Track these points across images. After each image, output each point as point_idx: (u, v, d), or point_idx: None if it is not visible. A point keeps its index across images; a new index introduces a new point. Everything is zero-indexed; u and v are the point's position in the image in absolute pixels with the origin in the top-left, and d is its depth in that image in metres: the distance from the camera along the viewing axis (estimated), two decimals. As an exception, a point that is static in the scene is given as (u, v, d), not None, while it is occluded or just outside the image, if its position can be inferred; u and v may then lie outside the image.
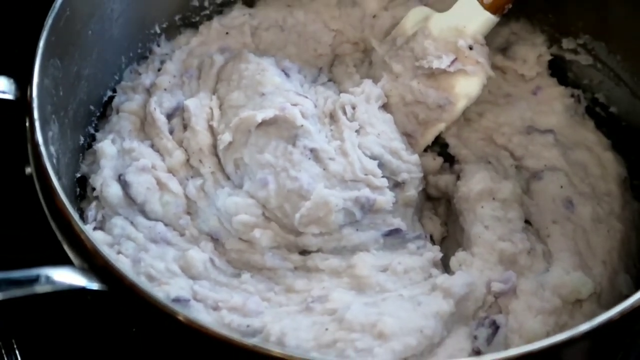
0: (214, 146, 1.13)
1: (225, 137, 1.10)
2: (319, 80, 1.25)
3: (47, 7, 1.04)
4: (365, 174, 1.09)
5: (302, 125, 1.10)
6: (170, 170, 1.12)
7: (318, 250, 1.07)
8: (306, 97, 1.15)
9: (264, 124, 1.10)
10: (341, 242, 1.07)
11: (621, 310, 0.85)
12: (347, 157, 1.10)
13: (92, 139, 1.16)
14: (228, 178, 1.12)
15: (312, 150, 1.09)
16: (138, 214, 1.08)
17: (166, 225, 1.08)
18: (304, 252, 1.08)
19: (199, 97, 1.17)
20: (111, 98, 1.20)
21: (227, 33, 1.27)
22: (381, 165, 1.11)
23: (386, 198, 1.09)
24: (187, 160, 1.13)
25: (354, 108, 1.15)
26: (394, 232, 1.09)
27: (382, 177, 1.10)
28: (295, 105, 1.12)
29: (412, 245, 1.10)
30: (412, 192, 1.13)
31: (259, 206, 1.07)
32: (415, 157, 1.14)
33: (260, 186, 1.07)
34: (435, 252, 1.09)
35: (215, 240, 1.08)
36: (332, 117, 1.15)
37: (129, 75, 1.22)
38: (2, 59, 1.28)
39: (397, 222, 1.10)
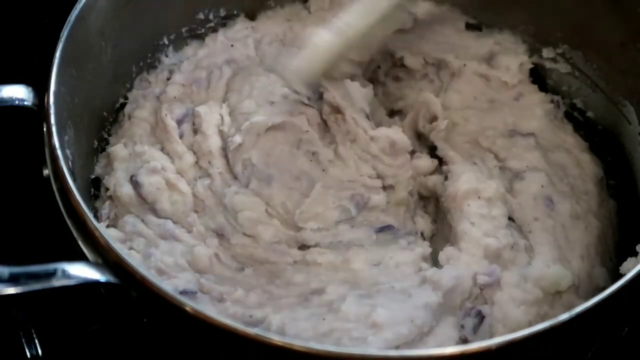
0: (223, 149, 1.13)
1: (236, 139, 1.12)
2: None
3: (63, 20, 1.04)
4: (361, 175, 1.10)
5: (307, 131, 1.12)
6: (179, 172, 1.12)
7: (316, 245, 1.07)
8: (312, 107, 1.16)
9: (272, 128, 1.12)
10: (337, 237, 1.07)
11: (598, 301, 0.84)
12: (344, 160, 1.11)
13: (106, 142, 1.16)
14: (235, 178, 1.12)
15: (314, 154, 1.11)
16: (148, 212, 1.08)
17: (175, 222, 1.08)
18: (302, 247, 1.08)
19: (208, 104, 1.17)
20: (123, 105, 1.20)
21: (232, 45, 1.27)
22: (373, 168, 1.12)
23: (379, 197, 1.10)
24: (196, 162, 1.13)
25: (347, 116, 1.15)
26: (386, 229, 1.09)
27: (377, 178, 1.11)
28: (302, 113, 1.14)
29: (403, 241, 1.10)
30: (402, 193, 1.13)
31: (263, 204, 1.08)
32: (400, 160, 1.14)
33: (265, 184, 1.09)
34: (424, 248, 1.09)
35: (220, 235, 1.08)
36: (331, 124, 1.15)
37: (139, 83, 1.22)
38: (21, 69, 1.27)
39: (389, 220, 1.10)
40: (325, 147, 1.12)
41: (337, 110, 1.15)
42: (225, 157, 1.13)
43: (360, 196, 1.08)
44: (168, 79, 1.22)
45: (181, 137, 1.15)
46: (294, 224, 1.07)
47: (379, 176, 1.12)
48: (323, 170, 1.10)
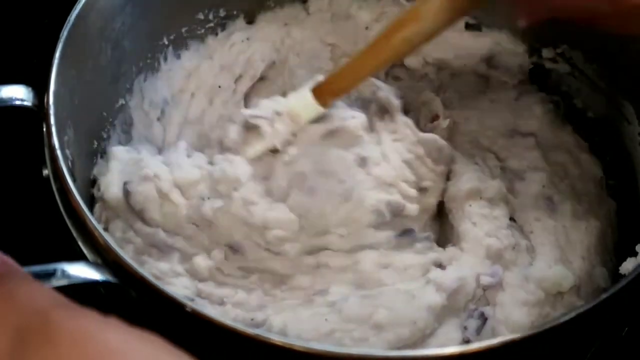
0: (253, 175, 1.05)
1: (292, 151, 1.04)
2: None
3: (63, 20, 1.03)
4: (402, 180, 1.05)
5: (360, 135, 1.06)
6: (178, 185, 1.05)
7: (338, 250, 1.02)
8: (360, 111, 1.10)
9: (327, 135, 1.06)
10: (359, 241, 1.02)
11: (598, 301, 0.84)
12: (388, 162, 1.06)
13: (106, 143, 1.15)
14: (264, 195, 1.04)
15: (362, 158, 1.05)
16: (137, 220, 1.04)
17: (166, 231, 1.03)
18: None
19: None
20: (122, 105, 1.18)
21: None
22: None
23: (413, 207, 1.05)
24: (204, 180, 1.06)
25: (391, 116, 1.12)
26: (407, 232, 1.05)
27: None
28: (354, 117, 1.07)
29: (420, 244, 1.06)
30: (432, 200, 1.09)
31: (297, 220, 1.01)
32: (441, 168, 1.10)
33: (309, 194, 1.02)
34: (438, 253, 1.05)
35: (234, 250, 1.02)
36: (378, 125, 1.11)
37: (139, 93, 1.19)
38: (21, 69, 1.27)
39: (412, 225, 1.06)
40: (372, 150, 1.06)
41: (385, 110, 1.11)
42: (252, 180, 1.04)
43: (396, 203, 1.03)
44: (158, 118, 1.19)
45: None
46: (324, 229, 1.01)
47: (417, 179, 1.07)
48: (367, 174, 1.04)
